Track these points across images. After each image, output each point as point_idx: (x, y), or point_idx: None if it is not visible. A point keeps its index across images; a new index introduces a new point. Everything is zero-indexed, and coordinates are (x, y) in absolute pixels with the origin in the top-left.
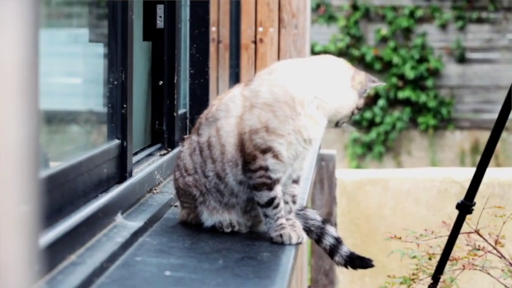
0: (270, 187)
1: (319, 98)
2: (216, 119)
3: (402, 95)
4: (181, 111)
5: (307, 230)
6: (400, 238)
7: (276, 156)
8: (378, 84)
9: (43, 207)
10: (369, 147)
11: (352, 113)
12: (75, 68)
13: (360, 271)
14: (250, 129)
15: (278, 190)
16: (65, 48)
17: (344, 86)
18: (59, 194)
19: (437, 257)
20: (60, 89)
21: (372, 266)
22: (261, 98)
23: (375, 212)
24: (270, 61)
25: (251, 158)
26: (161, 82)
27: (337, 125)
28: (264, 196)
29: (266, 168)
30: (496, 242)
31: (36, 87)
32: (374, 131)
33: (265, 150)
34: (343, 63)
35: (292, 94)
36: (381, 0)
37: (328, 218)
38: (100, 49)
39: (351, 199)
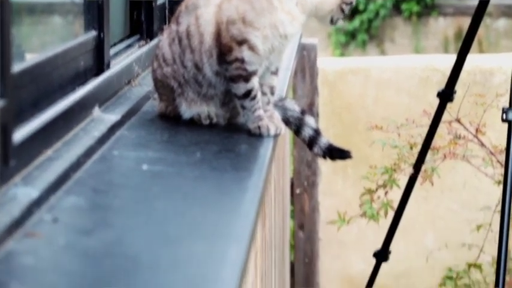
0: (246, 79)
1: None
2: (196, 7)
3: None
4: (160, 0)
5: (286, 121)
6: (381, 128)
7: (251, 48)
8: None
9: (18, 101)
10: (352, 35)
11: (341, 9)
12: None
13: (342, 162)
14: (227, 19)
15: (255, 82)
16: None
17: None
18: (34, 88)
19: (419, 147)
20: None
21: (350, 157)
22: None
23: (356, 101)
24: None
25: (227, 50)
26: None
27: (332, 21)
28: (240, 88)
29: (242, 60)
30: (477, 130)
31: None
32: (357, 18)
33: (241, 42)
34: None
35: None
36: None
37: (310, 108)
38: None
39: (333, 89)
